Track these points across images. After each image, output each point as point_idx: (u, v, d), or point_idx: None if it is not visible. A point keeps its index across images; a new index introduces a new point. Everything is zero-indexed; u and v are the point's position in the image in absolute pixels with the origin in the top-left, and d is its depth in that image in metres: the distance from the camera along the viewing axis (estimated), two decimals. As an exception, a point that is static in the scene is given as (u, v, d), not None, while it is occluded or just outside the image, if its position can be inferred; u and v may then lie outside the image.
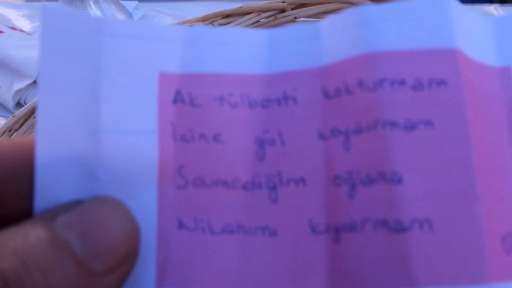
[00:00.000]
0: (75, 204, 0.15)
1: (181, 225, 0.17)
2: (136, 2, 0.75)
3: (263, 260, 0.17)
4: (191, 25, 0.39)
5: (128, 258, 0.15)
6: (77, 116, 0.16)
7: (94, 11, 0.62)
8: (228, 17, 0.39)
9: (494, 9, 0.67)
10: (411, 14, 0.16)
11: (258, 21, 0.39)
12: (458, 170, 0.16)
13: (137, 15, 0.71)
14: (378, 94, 0.16)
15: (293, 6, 0.40)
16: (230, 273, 0.17)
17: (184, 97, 0.17)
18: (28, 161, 0.16)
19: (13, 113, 0.34)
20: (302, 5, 0.40)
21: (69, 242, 0.14)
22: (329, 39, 0.17)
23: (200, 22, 0.39)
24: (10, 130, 0.34)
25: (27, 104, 0.35)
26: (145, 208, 0.17)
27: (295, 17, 0.40)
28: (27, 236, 0.14)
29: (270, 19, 0.40)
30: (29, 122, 0.34)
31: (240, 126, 0.17)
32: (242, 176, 0.17)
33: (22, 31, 0.66)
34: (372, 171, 0.16)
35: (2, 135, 0.33)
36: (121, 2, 0.66)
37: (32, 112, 0.34)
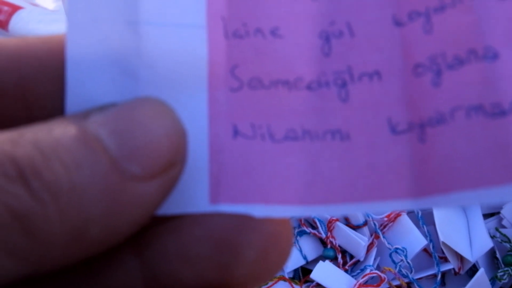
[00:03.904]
0: (112, 105, 0.13)
1: (236, 132, 0.14)
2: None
3: (335, 169, 0.14)
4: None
5: (171, 166, 0.13)
6: (113, 4, 0.14)
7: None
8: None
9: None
10: None
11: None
12: None
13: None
14: None
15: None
16: (297, 185, 0.14)
17: None
18: (59, 58, 0.14)
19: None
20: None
21: (101, 139, 0.12)
22: None
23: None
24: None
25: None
26: (194, 114, 0.14)
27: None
28: (51, 131, 0.12)
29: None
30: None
31: (301, 18, 0.15)
32: (306, 75, 0.14)
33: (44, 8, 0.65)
34: (460, 50, 0.13)
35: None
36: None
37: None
